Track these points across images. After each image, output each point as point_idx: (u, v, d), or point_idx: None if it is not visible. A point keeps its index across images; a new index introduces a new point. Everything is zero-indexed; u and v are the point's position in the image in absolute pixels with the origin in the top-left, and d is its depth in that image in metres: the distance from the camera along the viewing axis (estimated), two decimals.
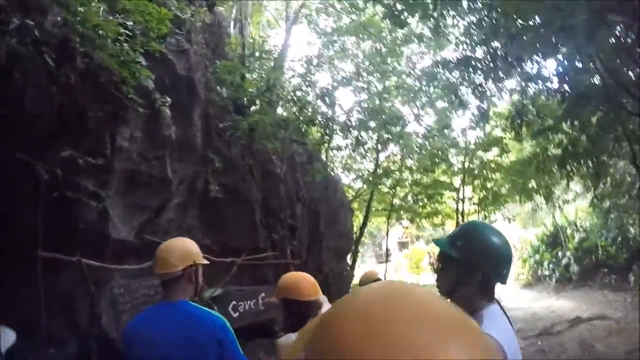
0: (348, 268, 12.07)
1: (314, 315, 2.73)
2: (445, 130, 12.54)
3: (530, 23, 5.48)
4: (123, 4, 6.04)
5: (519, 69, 6.36)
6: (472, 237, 1.95)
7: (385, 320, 0.53)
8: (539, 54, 6.18)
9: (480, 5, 6.17)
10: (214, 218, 9.24)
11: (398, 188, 14.82)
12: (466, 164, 14.55)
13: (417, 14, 6.32)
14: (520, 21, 5.67)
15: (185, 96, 8.14)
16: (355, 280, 15.18)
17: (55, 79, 5.48)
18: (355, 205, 14.19)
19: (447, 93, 9.43)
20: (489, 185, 15.24)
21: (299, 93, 9.64)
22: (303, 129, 9.63)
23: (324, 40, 10.59)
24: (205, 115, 8.85)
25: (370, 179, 12.66)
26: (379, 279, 5.26)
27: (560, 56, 5.88)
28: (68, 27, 5.31)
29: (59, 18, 5.14)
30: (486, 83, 7.78)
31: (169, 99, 7.59)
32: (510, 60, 5.90)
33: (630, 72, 6.63)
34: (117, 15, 6.03)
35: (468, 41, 7.35)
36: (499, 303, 1.96)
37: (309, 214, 10.69)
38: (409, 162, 13.24)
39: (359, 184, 14.54)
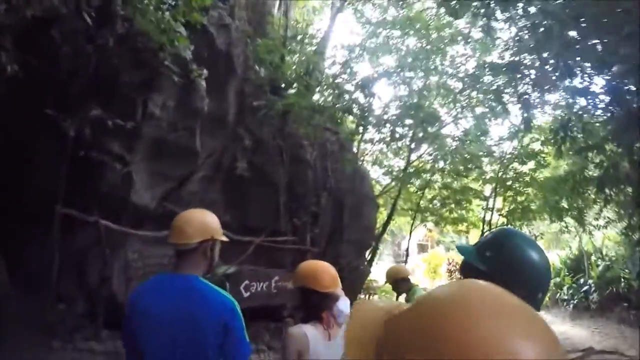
0: (365, 263, 11.91)
1: (328, 308, 2.60)
2: (482, 137, 12.09)
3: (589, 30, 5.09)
4: None
5: (568, 81, 5.95)
6: (505, 249, 1.61)
7: (496, 319, 0.55)
8: (593, 66, 5.75)
9: (534, 9, 5.78)
10: (237, 195, 9.21)
11: (427, 189, 14.56)
12: (499, 174, 14.10)
13: (469, 9, 5.98)
14: (574, 32, 5.28)
15: (222, 71, 8.07)
16: (374, 276, 15.06)
17: (93, 39, 5.48)
18: (381, 201, 13.96)
19: (490, 98, 9.01)
20: (520, 198, 14.77)
21: (337, 81, 9.43)
22: (338, 118, 9.43)
23: (369, 31, 10.30)
24: (240, 92, 8.78)
25: (400, 176, 12.39)
26: (407, 277, 5.03)
27: (615, 69, 5.45)
28: None
29: None
30: (532, 92, 7.36)
31: (205, 71, 7.53)
32: (560, 71, 5.51)
33: None
34: None
35: (518, 46, 6.93)
36: None
37: (333, 204, 10.55)
38: (441, 164, 12.88)
39: (387, 180, 14.34)
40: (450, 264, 23.33)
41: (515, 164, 14.08)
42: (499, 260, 1.57)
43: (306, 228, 9.93)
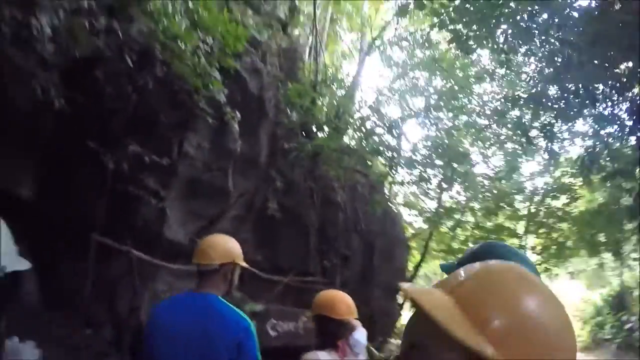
0: (397, 306, 11.64)
1: (343, 336, 2.66)
2: (513, 174, 11.89)
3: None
4: (204, 20, 6.53)
5: (591, 108, 5.91)
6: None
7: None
8: (615, 90, 5.72)
9: (551, 39, 5.88)
10: (268, 236, 9.39)
11: (459, 230, 14.28)
12: (531, 210, 13.67)
13: (484, 42, 6.17)
14: (593, 58, 5.33)
15: (254, 114, 8.51)
16: (402, 321, 14.55)
17: (133, 81, 5.98)
18: (413, 243, 13.82)
19: (517, 133, 8.98)
20: (554, 235, 14.22)
21: (367, 123, 9.71)
22: (367, 159, 9.63)
23: (396, 73, 10.67)
24: (272, 134, 9.17)
25: (431, 217, 12.26)
26: None
27: (637, 90, 5.39)
28: (151, 36, 5.82)
29: (144, 28, 5.65)
30: (556, 122, 7.30)
31: (238, 114, 7.96)
32: (582, 98, 5.51)
33: None
34: (197, 29, 6.51)
35: (539, 78, 6.98)
36: None
37: (364, 246, 10.55)
38: (472, 203, 12.67)
39: (419, 222, 14.24)
40: None
41: (548, 199, 13.67)
42: None
43: (336, 270, 9.94)
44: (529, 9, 5.65)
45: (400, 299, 12.17)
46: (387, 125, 9.21)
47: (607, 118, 6.28)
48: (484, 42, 6.21)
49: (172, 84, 6.61)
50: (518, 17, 5.80)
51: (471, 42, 6.25)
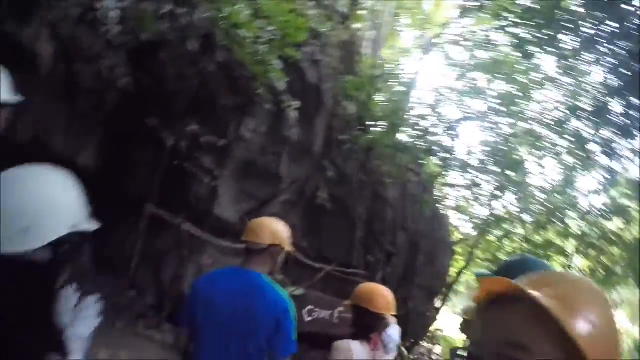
0: (433, 310, 11.47)
1: (378, 330, 2.73)
2: (568, 188, 11.20)
3: None
4: (266, 9, 6.71)
5: None
6: (520, 274, 1.71)
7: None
8: None
9: (618, 49, 5.48)
10: (316, 224, 9.57)
11: (507, 241, 13.83)
12: (583, 229, 12.81)
13: (547, 47, 5.87)
14: None
15: (312, 103, 8.65)
16: (440, 325, 14.19)
17: (195, 65, 6.31)
18: (458, 248, 13.50)
19: (575, 146, 8.45)
20: (603, 258, 13.22)
21: (423, 122, 9.56)
22: (421, 159, 9.51)
23: (455, 73, 10.35)
24: (328, 125, 9.28)
25: (480, 224, 11.88)
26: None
27: None
28: (213, 23, 6.09)
29: (207, 14, 5.92)
30: (618, 139, 6.81)
31: (296, 102, 8.13)
32: None
33: None
34: (259, 18, 6.72)
35: (603, 89, 6.52)
36: None
37: (409, 245, 10.48)
38: (523, 215, 12.10)
39: (467, 228, 13.85)
40: None
41: (602, 220, 12.73)
42: None
43: (379, 265, 9.96)
44: (597, 13, 5.31)
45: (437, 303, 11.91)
46: (443, 125, 9.04)
47: None
48: (546, 48, 5.92)
49: (232, 69, 6.88)
50: (583, 24, 5.47)
51: (533, 47, 5.98)
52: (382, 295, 2.78)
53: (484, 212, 12.68)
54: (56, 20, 4.64)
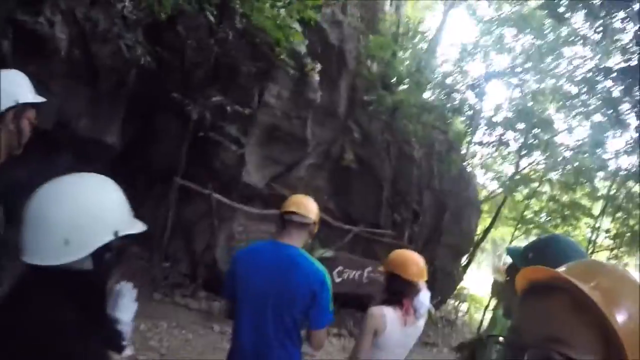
0: (460, 268, 11.52)
1: (409, 296, 2.77)
2: (597, 149, 10.79)
3: None
4: None
5: None
6: (548, 253, 1.64)
7: None
8: None
9: None
10: (342, 185, 9.60)
11: (534, 200, 13.59)
12: (611, 191, 12.42)
13: (580, 11, 5.53)
14: None
15: (334, 65, 8.49)
16: (466, 283, 14.26)
17: (214, 34, 6.22)
18: (485, 207, 13.38)
19: (606, 106, 8.07)
20: (631, 221, 13.00)
21: (448, 79, 9.27)
22: (447, 117, 9.28)
23: (481, 29, 9.86)
24: (351, 86, 9.12)
25: (507, 183, 11.67)
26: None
27: None
28: None
29: None
30: None
31: (319, 65, 7.99)
32: None
33: None
34: None
35: (636, 49, 6.15)
36: None
37: (435, 204, 10.44)
38: (550, 175, 11.78)
39: (494, 186, 13.71)
40: None
41: (630, 182, 12.29)
42: (540, 264, 1.63)
43: (405, 225, 9.99)
44: None
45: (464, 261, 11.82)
46: (470, 83, 8.74)
47: None
48: (578, 7, 5.56)
49: (252, 35, 6.77)
50: None
51: (564, 9, 5.62)
52: (415, 263, 2.81)
53: (510, 170, 12.45)
54: (69, 4, 4.60)
